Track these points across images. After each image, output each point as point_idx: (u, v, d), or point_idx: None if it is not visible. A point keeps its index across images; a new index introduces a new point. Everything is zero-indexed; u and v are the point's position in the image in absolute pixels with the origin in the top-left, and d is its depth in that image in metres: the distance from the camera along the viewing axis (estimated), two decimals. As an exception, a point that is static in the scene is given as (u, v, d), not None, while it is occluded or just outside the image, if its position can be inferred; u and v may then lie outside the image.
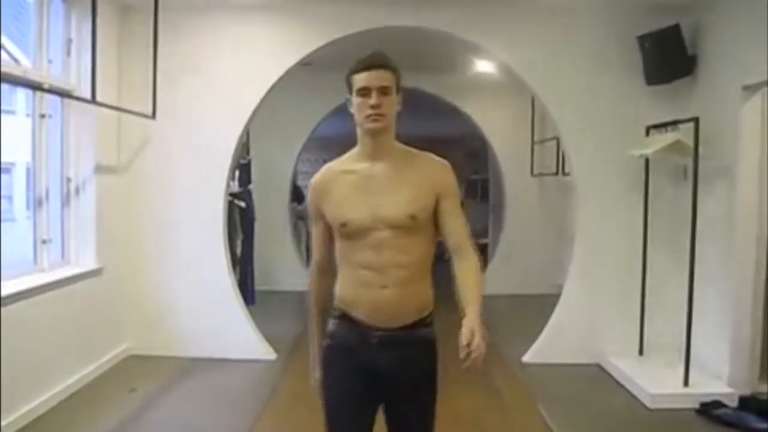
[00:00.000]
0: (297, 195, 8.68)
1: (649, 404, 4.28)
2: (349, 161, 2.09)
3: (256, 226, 6.92)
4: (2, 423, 3.55)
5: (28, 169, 4.68)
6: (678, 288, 4.61)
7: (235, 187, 6.49)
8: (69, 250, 4.81)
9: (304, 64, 5.41)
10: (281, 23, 5.25)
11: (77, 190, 4.81)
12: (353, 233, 2.00)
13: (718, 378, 4.44)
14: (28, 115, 4.52)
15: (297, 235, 8.74)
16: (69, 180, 4.77)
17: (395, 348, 2.02)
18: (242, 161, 6.66)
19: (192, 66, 5.20)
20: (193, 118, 5.22)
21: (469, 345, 1.75)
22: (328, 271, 2.15)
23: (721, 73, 4.56)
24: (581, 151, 5.25)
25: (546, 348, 5.26)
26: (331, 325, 2.11)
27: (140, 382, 4.69)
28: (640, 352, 5.00)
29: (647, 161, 4.91)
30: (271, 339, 5.38)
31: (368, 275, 2.00)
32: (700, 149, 4.34)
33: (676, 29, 4.65)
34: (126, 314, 5.20)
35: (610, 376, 4.88)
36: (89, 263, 4.83)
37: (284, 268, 8.02)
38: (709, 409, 4.10)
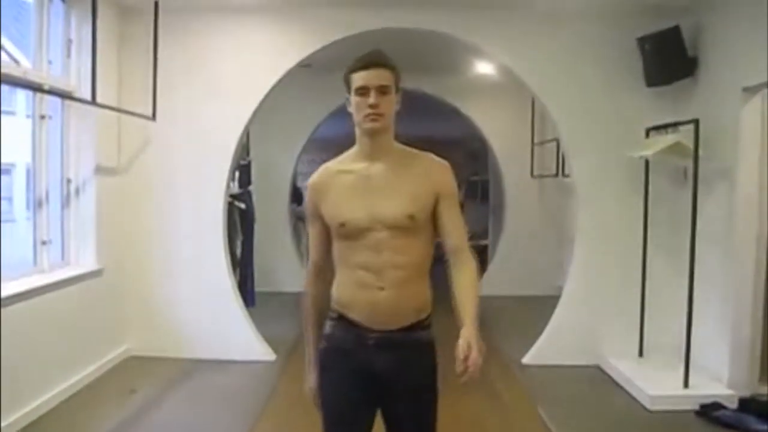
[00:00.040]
0: (297, 196, 8.67)
1: (648, 406, 4.27)
2: (347, 161, 2.07)
3: (256, 227, 6.91)
4: (3, 424, 3.55)
5: (28, 170, 4.68)
6: (678, 289, 4.61)
7: (235, 188, 6.49)
8: (69, 251, 4.81)
9: (304, 65, 5.42)
10: (281, 25, 5.25)
11: (77, 191, 4.81)
12: (351, 234, 1.98)
13: (717, 380, 4.43)
14: (28, 116, 4.52)
15: (297, 236, 8.73)
16: (69, 181, 4.77)
17: (392, 350, 2.00)
18: (242, 162, 6.65)
19: (192, 67, 5.21)
20: (193, 120, 5.22)
21: (466, 359, 1.74)
22: (325, 273, 2.12)
23: (721, 75, 4.56)
24: (581, 153, 5.26)
25: (546, 349, 5.25)
26: (328, 327, 2.09)
27: (140, 383, 4.69)
28: (640, 353, 5.00)
29: (647, 163, 4.91)
30: (270, 340, 5.38)
31: (366, 276, 1.98)
32: (700, 151, 4.34)
33: (676, 31, 4.65)
34: (126, 315, 5.20)
35: (610, 377, 4.88)
36: (89, 264, 4.83)
37: (284, 269, 8.02)
38: (708, 411, 4.10)
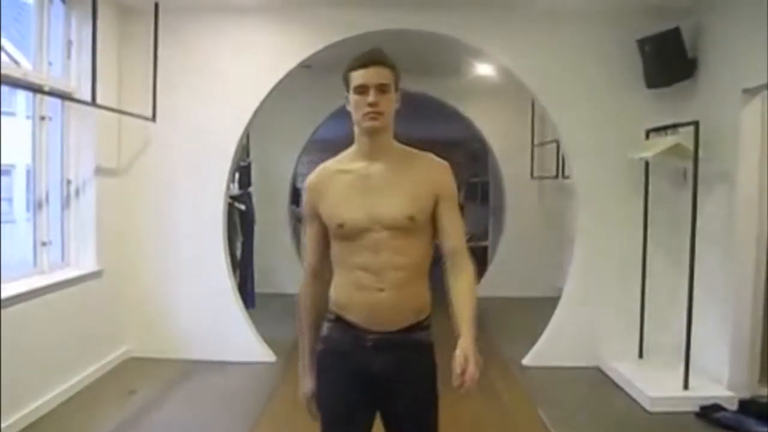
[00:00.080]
0: (297, 197, 8.66)
1: (648, 407, 4.27)
2: (345, 160, 2.04)
3: (256, 228, 6.91)
4: (3, 425, 3.55)
5: (28, 171, 4.68)
6: (678, 291, 4.62)
7: (235, 189, 6.48)
8: (69, 252, 4.81)
9: (304, 66, 5.42)
10: (281, 26, 5.26)
11: (77, 192, 4.81)
12: (350, 234, 1.96)
13: (717, 381, 4.43)
14: (28, 117, 4.52)
15: (297, 237, 8.72)
16: (69, 182, 4.77)
17: (391, 351, 1.98)
18: (242, 164, 6.65)
19: (192, 68, 5.21)
20: (193, 121, 5.22)
21: (463, 373, 1.75)
22: (322, 275, 2.10)
23: (721, 76, 4.56)
24: (581, 154, 5.26)
25: (546, 351, 5.25)
26: (326, 329, 2.07)
27: (140, 384, 4.69)
28: (640, 355, 5.00)
29: (647, 164, 4.91)
30: (270, 341, 5.37)
31: (364, 277, 1.95)
32: (700, 152, 4.34)
33: (676, 32, 4.65)
34: (126, 316, 5.20)
35: (610, 379, 4.88)
36: (89, 265, 4.83)
37: (284, 270, 8.01)
38: (708, 413, 4.09)
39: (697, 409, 4.15)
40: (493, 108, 8.27)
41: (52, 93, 4.41)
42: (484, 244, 9.63)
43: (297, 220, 8.72)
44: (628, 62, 4.97)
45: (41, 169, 4.51)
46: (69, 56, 4.68)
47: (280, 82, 5.27)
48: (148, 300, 5.26)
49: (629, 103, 5.08)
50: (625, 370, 4.77)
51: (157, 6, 4.88)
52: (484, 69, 7.10)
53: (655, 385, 4.44)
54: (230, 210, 5.97)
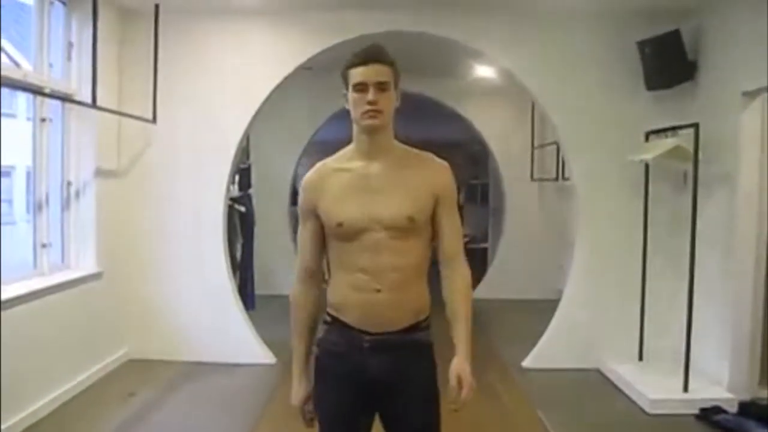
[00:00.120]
0: (297, 199, 8.62)
1: (648, 410, 4.27)
2: (343, 159, 2.01)
3: (256, 230, 6.91)
4: (3, 426, 3.54)
5: (28, 173, 4.69)
6: (678, 293, 4.61)
7: (235, 191, 6.48)
8: (69, 254, 4.81)
9: (305, 68, 5.42)
10: (282, 28, 5.26)
11: (77, 194, 4.81)
12: (348, 234, 1.93)
13: (717, 383, 4.43)
14: (28, 119, 4.53)
15: (297, 239, 8.72)
16: (69, 184, 4.77)
17: (388, 352, 1.95)
18: (242, 166, 6.65)
19: (192, 70, 5.21)
20: (193, 123, 5.22)
21: (457, 396, 1.77)
22: (316, 277, 2.07)
23: (721, 79, 4.56)
24: (581, 156, 5.26)
25: (546, 353, 5.25)
26: (322, 331, 2.04)
27: (139, 386, 4.68)
28: (640, 357, 5.00)
29: (647, 166, 4.91)
30: (270, 343, 5.37)
31: (362, 278, 1.92)
32: (700, 155, 4.34)
33: (676, 35, 4.65)
34: (126, 318, 5.19)
35: (610, 381, 4.88)
36: (89, 267, 4.83)
37: (284, 272, 7.96)
38: (708, 415, 4.09)
39: (697, 411, 4.15)
40: (493, 109, 8.27)
41: (52, 95, 4.42)
42: (483, 245, 9.63)
43: (297, 222, 8.72)
44: (628, 64, 4.97)
45: (41, 170, 4.51)
46: (69, 58, 4.68)
47: (280, 84, 5.28)
48: (148, 302, 5.25)
49: (629, 106, 5.08)
50: (625, 372, 4.77)
51: (157, 8, 4.89)
52: (484, 71, 7.11)
53: (655, 387, 4.44)
54: (230, 212, 5.97)
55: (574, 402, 4.58)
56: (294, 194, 8.65)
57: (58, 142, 4.66)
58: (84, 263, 4.84)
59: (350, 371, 1.98)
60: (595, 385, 4.88)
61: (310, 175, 2.05)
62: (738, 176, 4.35)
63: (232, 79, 5.24)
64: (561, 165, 6.97)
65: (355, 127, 1.98)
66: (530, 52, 5.22)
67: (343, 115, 2.06)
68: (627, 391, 4.60)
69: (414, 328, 1.99)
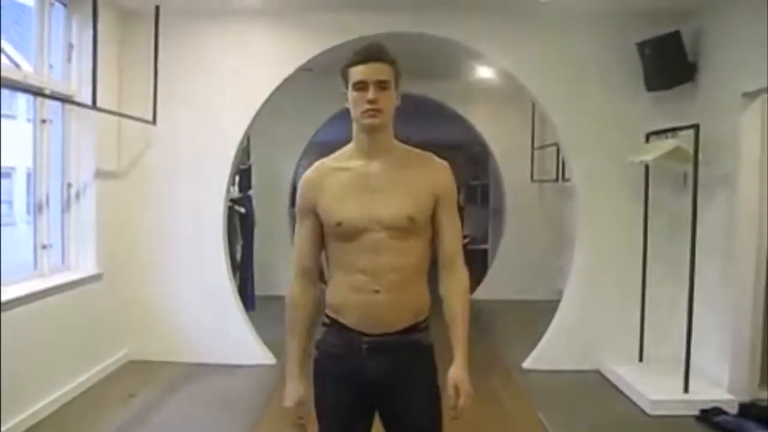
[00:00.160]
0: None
1: (649, 411, 4.27)
2: (342, 158, 1.99)
3: (256, 231, 6.91)
4: (3, 428, 3.54)
5: (28, 174, 4.69)
6: (678, 294, 4.61)
7: (235, 192, 6.49)
8: (69, 256, 4.81)
9: (305, 69, 5.42)
10: (282, 29, 5.26)
11: (77, 195, 4.81)
12: (347, 234, 1.91)
13: (718, 385, 4.43)
14: (29, 120, 4.53)
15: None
16: (69, 185, 4.77)
17: (387, 353, 1.94)
18: (242, 167, 6.66)
19: (193, 72, 5.21)
20: (193, 124, 5.22)
21: (455, 405, 1.78)
22: (314, 278, 2.05)
23: (721, 80, 4.56)
24: (581, 157, 5.26)
25: (546, 354, 5.24)
26: (320, 333, 2.03)
27: (139, 387, 4.68)
28: (640, 358, 4.99)
29: (647, 168, 4.91)
30: (270, 344, 5.36)
31: (361, 279, 1.91)
32: (700, 156, 4.34)
33: (676, 36, 4.66)
34: (126, 319, 5.19)
35: (610, 382, 4.87)
36: (89, 268, 4.83)
37: (284, 273, 7.96)
38: (709, 416, 4.09)
39: (697, 412, 4.15)
40: (494, 110, 8.26)
41: (52, 96, 4.41)
42: (484, 246, 9.64)
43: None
44: (629, 65, 4.97)
45: (42, 172, 4.50)
46: (70, 59, 4.68)
47: (281, 85, 5.28)
48: (148, 303, 5.25)
49: (629, 106, 5.08)
50: (626, 373, 4.77)
51: (157, 9, 4.89)
52: (484, 72, 7.11)
53: (656, 388, 4.44)
54: (230, 213, 5.98)
55: (574, 403, 4.57)
56: (294, 195, 8.63)
57: (59, 143, 4.66)
58: (84, 264, 4.84)
59: (349, 373, 1.97)
60: (596, 386, 4.88)
61: (308, 173, 2.02)
62: (738, 177, 4.34)
63: (232, 81, 5.24)
64: (561, 166, 6.97)
65: (354, 126, 1.96)
66: (530, 52, 5.22)
67: (344, 116, 2.05)
68: (627, 392, 4.60)
69: (413, 329, 1.98)
